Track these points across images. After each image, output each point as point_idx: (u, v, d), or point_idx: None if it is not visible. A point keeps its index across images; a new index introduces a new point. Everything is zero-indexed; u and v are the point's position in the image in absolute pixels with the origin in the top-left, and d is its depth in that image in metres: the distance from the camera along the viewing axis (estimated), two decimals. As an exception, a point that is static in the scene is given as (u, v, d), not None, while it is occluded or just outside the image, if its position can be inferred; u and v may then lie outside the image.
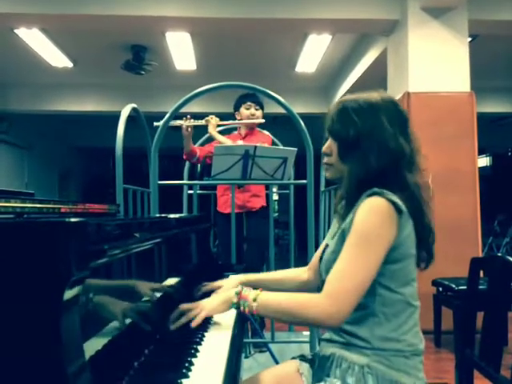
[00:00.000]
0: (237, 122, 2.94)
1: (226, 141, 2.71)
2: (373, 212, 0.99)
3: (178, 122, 2.58)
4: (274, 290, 1.11)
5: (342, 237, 1.05)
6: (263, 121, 2.89)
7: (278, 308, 1.03)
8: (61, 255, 0.53)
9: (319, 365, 1.10)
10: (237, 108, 2.95)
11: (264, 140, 2.86)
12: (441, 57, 3.59)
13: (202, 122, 2.71)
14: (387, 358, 1.01)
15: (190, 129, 2.67)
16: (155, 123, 2.47)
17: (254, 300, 1.03)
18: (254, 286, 1.29)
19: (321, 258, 1.17)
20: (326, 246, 1.17)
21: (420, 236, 1.06)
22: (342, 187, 1.14)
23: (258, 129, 3.04)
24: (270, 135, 3.09)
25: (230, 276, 1.76)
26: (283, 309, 1.02)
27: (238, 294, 1.06)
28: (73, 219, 0.54)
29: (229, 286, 1.27)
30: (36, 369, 0.53)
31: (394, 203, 0.99)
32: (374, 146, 1.05)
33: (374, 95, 1.11)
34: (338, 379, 1.02)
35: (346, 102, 1.11)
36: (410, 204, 1.03)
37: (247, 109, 2.88)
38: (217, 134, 2.77)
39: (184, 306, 1.08)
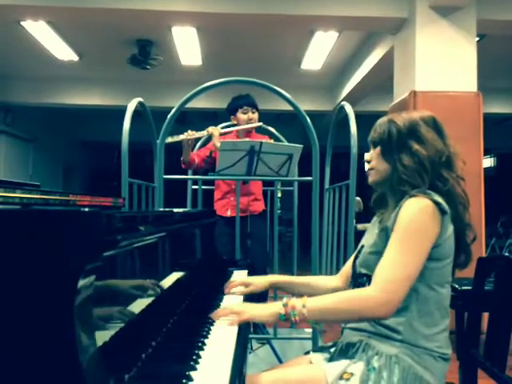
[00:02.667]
0: (236, 128, 2.91)
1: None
2: (419, 210, 1.03)
3: (180, 137, 2.57)
4: (303, 294, 1.12)
5: (385, 235, 1.08)
6: (261, 124, 2.89)
7: (329, 308, 1.04)
8: (75, 244, 0.53)
9: (341, 351, 1.11)
10: (232, 112, 2.92)
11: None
12: (448, 56, 3.57)
13: (203, 134, 2.70)
14: (417, 353, 1.02)
15: (190, 141, 2.67)
16: (167, 140, 2.46)
17: (304, 306, 1.03)
18: (284, 288, 1.33)
19: (355, 258, 1.20)
20: (362, 247, 1.20)
21: (459, 238, 1.10)
22: (379, 189, 1.20)
23: (259, 132, 3.03)
24: (267, 136, 3.06)
25: (235, 273, 1.77)
26: (334, 308, 1.03)
27: (286, 305, 1.05)
28: (87, 209, 0.54)
29: (259, 284, 1.29)
30: (49, 356, 0.54)
31: (438, 204, 1.04)
32: (412, 145, 1.11)
33: (421, 113, 1.18)
34: (362, 361, 1.03)
35: (395, 116, 1.18)
36: (451, 206, 1.08)
37: (244, 113, 2.85)
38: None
39: (228, 308, 1.09)
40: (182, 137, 2.59)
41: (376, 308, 0.99)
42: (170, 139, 2.48)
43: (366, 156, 1.22)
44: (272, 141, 3.00)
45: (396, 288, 0.98)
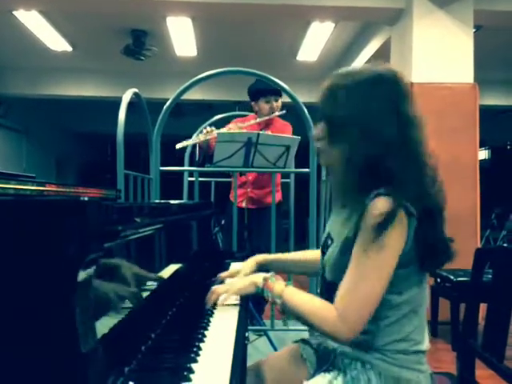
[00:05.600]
0: (258, 120, 2.73)
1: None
2: (384, 219, 0.90)
3: (201, 138, 2.44)
4: (291, 272, 1.10)
5: (348, 237, 0.98)
6: (284, 112, 2.71)
7: (296, 310, 1.01)
8: (76, 235, 0.52)
9: (323, 355, 1.10)
10: (254, 98, 2.78)
11: (284, 130, 2.73)
12: (445, 47, 3.56)
13: (222, 130, 2.53)
14: (389, 355, 0.99)
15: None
16: (177, 146, 2.39)
17: (280, 297, 1.02)
18: (273, 267, 1.28)
19: (323, 249, 1.12)
20: (328, 235, 1.10)
21: (425, 242, 0.95)
22: (333, 177, 1.07)
23: (279, 118, 2.87)
24: (289, 124, 2.90)
25: (232, 265, 1.76)
26: (300, 312, 1.00)
27: (265, 280, 1.06)
28: (87, 198, 0.53)
29: (246, 268, 1.27)
30: (49, 349, 0.53)
31: (404, 207, 0.91)
32: (363, 132, 0.95)
33: (370, 70, 1.01)
34: (340, 372, 1.02)
35: (337, 78, 1.03)
36: (416, 206, 0.93)
37: (267, 102, 2.73)
38: None
39: (215, 287, 1.13)
40: (198, 138, 2.49)
41: (333, 334, 0.95)
42: (189, 142, 2.40)
43: (316, 131, 1.08)
44: (290, 128, 2.84)
45: (357, 319, 0.92)
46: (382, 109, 0.97)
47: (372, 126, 0.96)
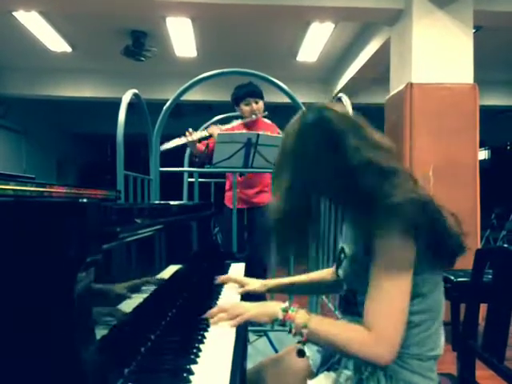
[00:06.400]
0: (239, 122, 2.85)
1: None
2: (393, 236, 0.90)
3: (183, 140, 2.51)
4: (301, 294, 1.08)
5: (363, 250, 0.97)
6: (266, 113, 2.80)
7: (328, 339, 0.96)
8: (75, 236, 0.52)
9: (329, 350, 1.09)
10: (236, 103, 2.87)
11: (267, 130, 2.81)
12: (445, 48, 3.56)
13: (205, 134, 2.63)
14: (403, 359, 0.98)
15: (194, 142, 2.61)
16: (162, 147, 2.43)
17: (305, 326, 0.96)
18: (282, 291, 1.30)
19: (337, 263, 1.14)
20: (342, 249, 1.12)
21: (434, 241, 0.96)
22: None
23: (264, 119, 2.98)
24: (274, 124, 3.03)
25: (232, 265, 1.76)
26: (333, 341, 0.95)
27: (285, 312, 0.99)
28: (86, 200, 0.53)
29: (255, 286, 1.27)
30: (49, 351, 0.53)
31: (405, 224, 0.90)
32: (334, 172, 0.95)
33: (296, 123, 1.02)
34: (350, 372, 1.01)
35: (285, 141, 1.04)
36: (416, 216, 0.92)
37: (247, 105, 2.79)
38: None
39: (225, 305, 1.05)
40: (184, 139, 2.53)
41: (375, 359, 0.92)
42: (170, 144, 2.43)
43: None
44: (274, 128, 2.94)
45: (394, 337, 0.91)
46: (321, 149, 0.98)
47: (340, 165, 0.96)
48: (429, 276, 0.98)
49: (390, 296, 0.92)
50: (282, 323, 0.99)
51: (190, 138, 2.55)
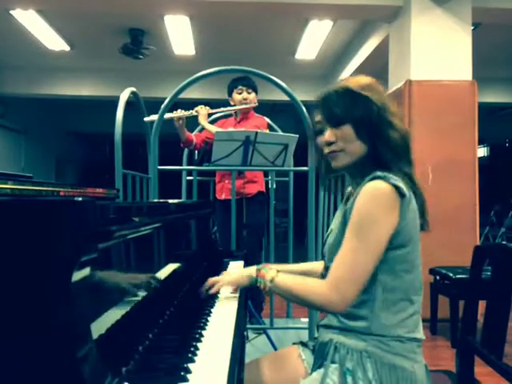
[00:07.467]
0: (228, 108, 2.85)
1: (215, 130, 2.65)
2: (374, 197, 0.97)
3: (168, 116, 2.52)
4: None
5: (344, 221, 1.05)
6: (256, 105, 2.80)
7: (289, 290, 1.07)
8: (70, 235, 0.51)
9: (319, 351, 1.10)
10: (229, 93, 2.88)
11: (259, 124, 2.78)
12: (443, 45, 3.56)
13: (191, 113, 2.66)
14: (385, 342, 1.00)
15: (181, 120, 2.63)
16: (146, 119, 2.47)
17: (271, 281, 1.09)
18: None
19: (324, 243, 1.17)
20: (331, 230, 1.16)
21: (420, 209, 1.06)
22: (352, 171, 1.10)
23: (256, 113, 2.98)
24: (266, 118, 3.03)
25: (231, 263, 1.76)
26: (293, 292, 1.06)
27: (258, 270, 1.14)
28: (81, 198, 0.53)
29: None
30: (45, 350, 0.52)
31: (397, 187, 0.97)
32: (389, 122, 1.04)
33: (360, 78, 1.10)
34: (336, 364, 1.02)
35: (346, 84, 1.08)
36: (412, 184, 1.03)
37: (239, 93, 2.81)
38: (206, 123, 2.71)
39: (210, 280, 1.22)
40: (170, 115, 2.54)
41: (327, 305, 1.00)
42: (154, 116, 2.43)
43: (328, 137, 1.06)
44: (266, 122, 2.96)
45: (348, 288, 0.97)
46: (386, 107, 1.07)
47: (386, 120, 1.05)
48: (410, 254, 1.03)
49: (355, 253, 0.98)
50: (256, 280, 1.12)
51: (176, 115, 2.57)
